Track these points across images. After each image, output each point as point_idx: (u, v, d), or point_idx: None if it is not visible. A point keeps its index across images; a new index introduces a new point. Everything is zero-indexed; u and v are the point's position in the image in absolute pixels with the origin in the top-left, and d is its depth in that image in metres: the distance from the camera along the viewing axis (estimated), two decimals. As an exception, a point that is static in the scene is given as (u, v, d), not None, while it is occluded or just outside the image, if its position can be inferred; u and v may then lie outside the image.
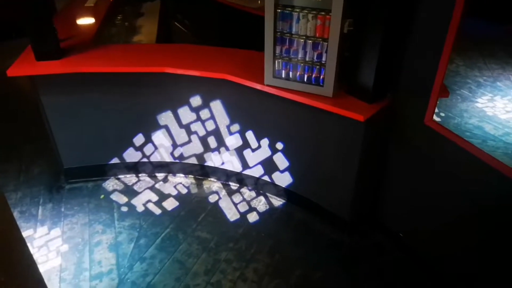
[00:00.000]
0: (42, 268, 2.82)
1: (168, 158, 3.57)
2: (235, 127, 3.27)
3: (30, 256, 1.44)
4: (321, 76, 2.64)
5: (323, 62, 2.59)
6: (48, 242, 3.03)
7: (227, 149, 3.41)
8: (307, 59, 2.64)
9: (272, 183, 3.40)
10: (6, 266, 1.23)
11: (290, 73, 2.73)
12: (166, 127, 3.40)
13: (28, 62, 2.99)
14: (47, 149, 3.77)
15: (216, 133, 3.35)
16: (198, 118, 3.32)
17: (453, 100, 2.95)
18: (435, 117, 2.44)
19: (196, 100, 3.23)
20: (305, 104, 2.71)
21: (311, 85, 2.69)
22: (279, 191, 3.41)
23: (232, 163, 3.48)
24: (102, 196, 3.43)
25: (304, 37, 2.57)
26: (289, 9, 2.52)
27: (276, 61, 2.73)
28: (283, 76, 2.76)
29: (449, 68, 2.49)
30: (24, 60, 3.02)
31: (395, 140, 2.76)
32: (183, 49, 3.42)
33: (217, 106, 3.22)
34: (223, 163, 3.51)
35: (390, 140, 2.80)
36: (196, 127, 3.36)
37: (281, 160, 3.23)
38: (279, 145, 3.16)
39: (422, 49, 2.39)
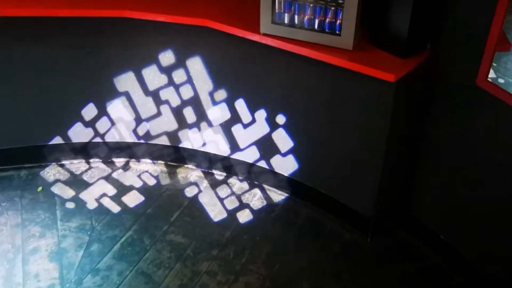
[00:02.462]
0: (-42, 283, 2.82)
1: (129, 138, 3.54)
2: (221, 94, 3.24)
3: None
4: (338, 21, 2.61)
5: (340, 1, 2.56)
6: (-35, 250, 3.02)
7: (209, 124, 3.39)
8: (318, -3, 2.61)
9: (271, 171, 3.39)
10: None
11: (296, 17, 2.70)
12: (126, 95, 3.36)
13: None
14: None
15: (195, 102, 3.32)
16: (171, 82, 3.28)
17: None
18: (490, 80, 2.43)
19: (167, 57, 3.19)
20: (315, 60, 2.68)
21: (324, 34, 2.66)
22: (279, 181, 3.40)
23: (216, 144, 3.46)
24: (40, 189, 3.40)
25: (314, -33, 2.55)
26: None
27: (277, 1, 2.68)
28: (286, 21, 2.72)
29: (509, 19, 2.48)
30: None
31: (437, 108, 2.75)
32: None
33: (196, 65, 3.18)
34: (204, 144, 3.49)
35: (429, 108, 2.79)
36: (168, 94, 3.33)
37: (283, 139, 3.21)
38: (281, 118, 3.15)
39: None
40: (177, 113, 3.40)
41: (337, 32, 2.64)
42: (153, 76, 3.27)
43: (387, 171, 2.91)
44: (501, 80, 2.50)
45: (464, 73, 2.52)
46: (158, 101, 3.38)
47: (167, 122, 3.45)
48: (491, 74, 2.47)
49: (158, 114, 3.43)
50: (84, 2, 3.04)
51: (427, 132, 2.87)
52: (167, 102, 3.37)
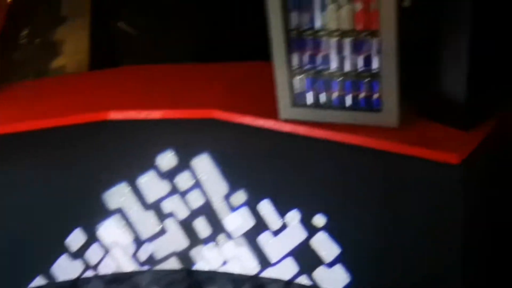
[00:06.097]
0: None
1: (129, 265, 3.57)
2: (239, 197, 3.30)
3: None
4: (375, 95, 2.70)
5: (374, 70, 2.66)
6: None
7: (229, 237, 3.42)
8: (347, 69, 2.71)
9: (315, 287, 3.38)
10: None
11: (322, 95, 2.80)
12: (120, 212, 3.44)
13: None
14: None
15: (208, 211, 3.38)
16: (174, 190, 3.36)
17: None
18: None
19: (167, 159, 3.29)
20: (353, 145, 2.74)
21: (360, 112, 2.74)
22: (329, 300, 3.37)
23: (240, 261, 3.47)
24: None
25: (337, 33, 2.65)
26: (307, -10, 2.63)
27: (296, 78, 2.80)
28: (310, 102, 2.82)
29: None
30: None
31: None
32: (136, 75, 3.55)
33: (204, 165, 3.26)
34: (225, 263, 3.50)
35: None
36: (172, 205, 3.39)
37: (325, 245, 3.21)
38: (319, 220, 3.16)
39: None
40: (186, 227, 3.44)
41: (376, 107, 2.72)
42: (151, 184, 3.36)
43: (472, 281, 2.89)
44: None
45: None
46: (161, 215, 3.43)
47: (175, 240, 3.48)
48: None
49: (163, 231, 3.48)
50: (60, 107, 3.22)
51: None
52: (172, 215, 3.43)
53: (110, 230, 3.49)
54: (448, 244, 2.81)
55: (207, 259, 3.53)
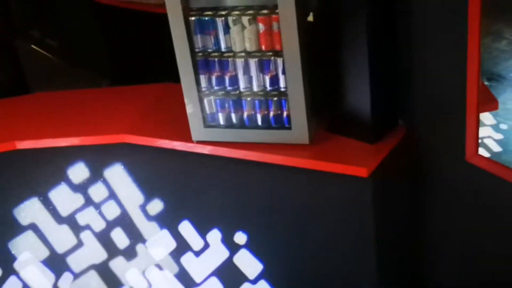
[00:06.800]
0: None
1: (44, 281, 3.45)
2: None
3: None
4: (284, 113, 2.75)
5: (282, 89, 2.71)
6: None
7: (152, 261, 3.40)
8: (255, 89, 2.74)
9: (242, 304, 3.39)
10: None
11: (233, 115, 2.82)
12: (33, 227, 3.34)
13: None
14: None
15: (130, 236, 3.37)
16: (88, 201, 3.28)
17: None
18: (483, 150, 2.54)
19: (78, 172, 3.21)
20: (266, 163, 2.78)
21: (271, 131, 2.79)
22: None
23: (164, 283, 3.45)
24: None
25: (243, 54, 2.69)
26: (209, 13, 2.65)
27: (206, 100, 2.82)
28: (222, 122, 2.85)
29: (498, 48, 2.64)
30: None
31: (427, 194, 2.88)
32: (46, 101, 3.49)
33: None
34: (150, 287, 3.49)
35: (419, 194, 2.92)
36: (87, 217, 3.31)
37: (248, 262, 3.24)
38: (240, 237, 3.18)
39: (436, 38, 2.53)
40: (104, 241, 3.40)
41: (286, 126, 2.77)
42: (64, 197, 3.28)
43: (383, 279, 2.98)
44: (497, 149, 2.64)
45: (450, 148, 2.65)
46: (77, 228, 3.35)
47: (92, 251, 3.42)
48: (489, 142, 2.61)
49: (79, 244, 3.41)
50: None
51: (422, 223, 2.99)
52: (88, 227, 3.36)
53: (23, 246, 3.38)
54: (363, 253, 2.90)
55: (131, 285, 3.50)
